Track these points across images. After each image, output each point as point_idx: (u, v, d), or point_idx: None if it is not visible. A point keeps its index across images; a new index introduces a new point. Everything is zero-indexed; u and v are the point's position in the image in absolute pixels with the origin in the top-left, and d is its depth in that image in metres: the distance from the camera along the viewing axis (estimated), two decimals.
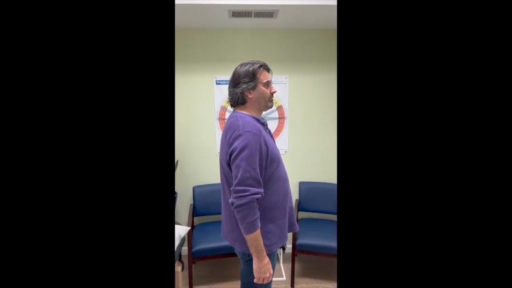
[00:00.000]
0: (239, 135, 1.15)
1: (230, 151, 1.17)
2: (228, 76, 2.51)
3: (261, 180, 1.17)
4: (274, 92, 1.28)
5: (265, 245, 1.21)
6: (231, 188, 1.16)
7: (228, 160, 1.19)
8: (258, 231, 1.15)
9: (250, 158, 1.13)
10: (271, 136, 1.34)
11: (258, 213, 1.16)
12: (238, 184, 1.13)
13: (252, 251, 1.18)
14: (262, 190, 1.16)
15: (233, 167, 1.16)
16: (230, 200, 1.16)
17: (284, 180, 1.30)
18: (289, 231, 1.34)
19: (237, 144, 1.15)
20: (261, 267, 1.18)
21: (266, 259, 1.19)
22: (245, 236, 1.16)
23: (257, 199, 1.14)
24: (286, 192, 1.32)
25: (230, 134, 1.19)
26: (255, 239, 1.16)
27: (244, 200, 1.11)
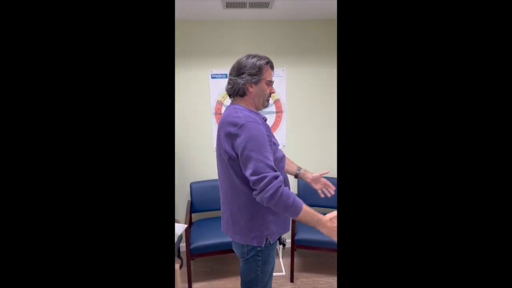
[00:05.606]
0: (242, 126, 1.12)
1: (236, 144, 1.13)
2: (224, 70, 2.49)
3: (274, 166, 1.13)
4: (273, 92, 1.28)
5: (266, 235, 1.21)
6: (251, 184, 1.11)
7: (233, 155, 1.16)
8: (304, 207, 1.13)
9: (259, 147, 1.10)
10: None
11: (292, 192, 1.14)
12: (253, 174, 1.09)
13: (313, 225, 1.15)
14: (279, 173, 1.12)
15: (243, 161, 1.12)
16: (258, 199, 1.12)
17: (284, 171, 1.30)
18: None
19: (243, 136, 1.11)
20: (329, 228, 1.14)
21: (327, 220, 1.15)
22: (297, 219, 1.14)
23: (280, 185, 1.09)
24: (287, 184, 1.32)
25: (230, 127, 1.15)
26: (306, 215, 1.13)
27: (270, 192, 1.07)
